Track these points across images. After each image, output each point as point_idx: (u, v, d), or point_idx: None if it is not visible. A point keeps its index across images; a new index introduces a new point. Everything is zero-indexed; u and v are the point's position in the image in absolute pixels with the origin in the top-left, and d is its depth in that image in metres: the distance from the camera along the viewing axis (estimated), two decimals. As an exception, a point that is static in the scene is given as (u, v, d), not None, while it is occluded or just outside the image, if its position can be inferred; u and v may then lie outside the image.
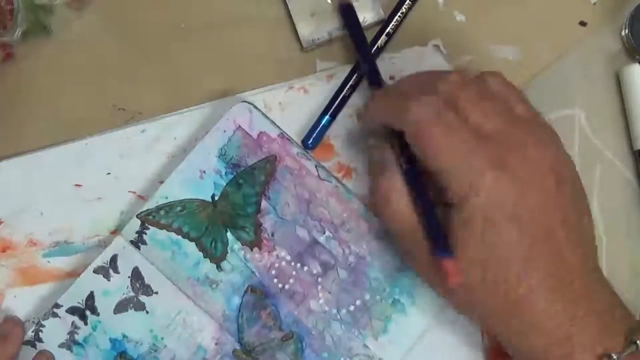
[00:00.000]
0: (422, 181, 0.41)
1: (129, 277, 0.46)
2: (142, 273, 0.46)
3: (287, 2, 0.49)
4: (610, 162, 0.49)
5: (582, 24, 0.50)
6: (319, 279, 0.46)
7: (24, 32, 0.49)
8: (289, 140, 0.47)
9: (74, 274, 0.48)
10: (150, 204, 0.47)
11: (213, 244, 0.47)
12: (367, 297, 0.46)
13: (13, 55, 0.50)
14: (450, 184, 0.38)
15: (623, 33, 0.49)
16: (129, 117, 0.49)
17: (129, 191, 0.48)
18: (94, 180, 0.48)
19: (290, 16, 0.50)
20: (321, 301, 0.46)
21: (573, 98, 0.49)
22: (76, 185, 0.49)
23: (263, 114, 0.47)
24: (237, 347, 0.46)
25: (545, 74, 0.49)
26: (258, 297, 0.46)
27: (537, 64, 0.49)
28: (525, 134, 0.39)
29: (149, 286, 0.46)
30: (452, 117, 0.38)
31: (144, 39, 0.50)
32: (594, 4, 0.50)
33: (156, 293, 0.46)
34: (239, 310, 0.46)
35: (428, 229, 0.40)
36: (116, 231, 0.48)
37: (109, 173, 0.49)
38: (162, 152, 0.49)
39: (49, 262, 0.48)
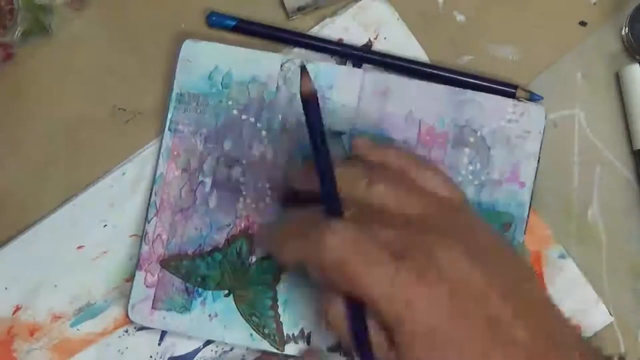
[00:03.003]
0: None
1: None
2: None
3: (271, -31, 0.49)
4: (610, 162, 0.49)
5: (582, 24, 0.50)
6: None
7: (24, 32, 0.49)
8: None
9: (106, 333, 0.48)
10: None
11: None
12: None
13: (13, 55, 0.50)
14: (380, 312, 0.38)
15: (623, 33, 0.49)
16: (129, 117, 0.49)
17: (130, 236, 0.48)
18: (93, 237, 0.48)
19: (274, -18, 0.49)
20: None
21: (573, 98, 0.49)
22: (78, 247, 0.48)
23: None
24: None
25: (545, 74, 0.49)
26: None
27: (537, 64, 0.49)
28: (430, 237, 0.39)
29: None
30: (369, 243, 0.38)
31: (144, 39, 0.50)
32: (594, 4, 0.50)
33: None
34: None
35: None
36: (132, 277, 0.48)
37: (105, 225, 0.48)
38: (146, 188, 0.49)
39: (78, 329, 0.48)
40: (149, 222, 0.48)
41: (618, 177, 0.49)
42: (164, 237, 0.47)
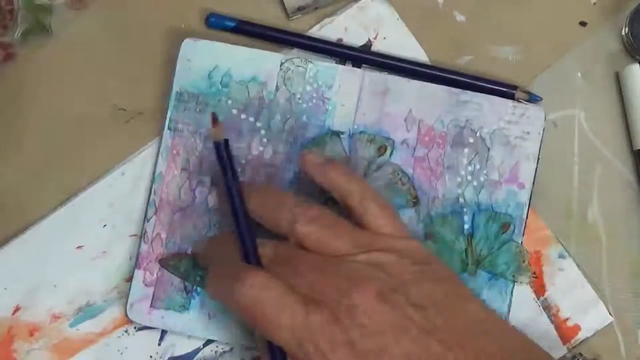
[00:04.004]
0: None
1: None
2: None
3: (271, -32, 0.49)
4: (610, 162, 0.49)
5: (582, 24, 0.50)
6: None
7: (24, 32, 0.49)
8: None
9: (105, 333, 0.48)
10: None
11: None
12: None
13: (13, 55, 0.50)
14: (294, 357, 0.38)
15: (623, 33, 0.49)
16: (129, 117, 0.49)
17: (130, 236, 0.48)
18: (93, 237, 0.48)
19: (274, -18, 0.49)
20: None
21: (573, 98, 0.49)
22: (78, 247, 0.48)
23: None
24: None
25: (545, 74, 0.49)
26: None
27: (537, 64, 0.49)
28: (344, 280, 0.39)
29: None
30: (279, 290, 0.38)
31: (144, 39, 0.50)
32: (594, 4, 0.50)
33: None
34: None
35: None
36: (131, 277, 0.48)
37: (104, 225, 0.48)
38: (145, 188, 0.48)
39: (77, 330, 0.48)
40: (148, 221, 0.48)
41: (618, 177, 0.49)
42: (163, 235, 0.47)
